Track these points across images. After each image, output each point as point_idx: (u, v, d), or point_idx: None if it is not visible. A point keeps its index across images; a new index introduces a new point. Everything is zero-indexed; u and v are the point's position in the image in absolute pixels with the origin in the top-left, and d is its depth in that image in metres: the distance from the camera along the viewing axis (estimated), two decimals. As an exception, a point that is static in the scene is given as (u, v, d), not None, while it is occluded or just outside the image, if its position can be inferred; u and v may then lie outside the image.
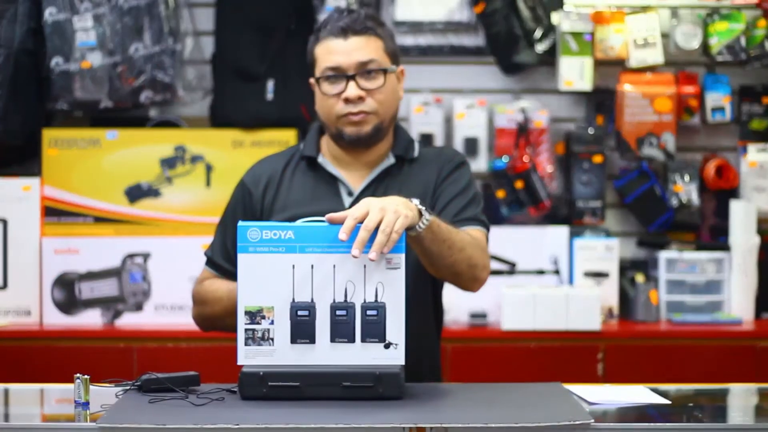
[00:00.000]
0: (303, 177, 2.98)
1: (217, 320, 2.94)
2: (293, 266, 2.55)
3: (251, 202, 2.99)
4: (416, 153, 3.00)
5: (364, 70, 2.88)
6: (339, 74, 2.88)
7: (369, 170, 2.96)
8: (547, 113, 4.88)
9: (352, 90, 2.87)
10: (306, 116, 4.71)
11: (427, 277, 2.89)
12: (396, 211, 2.55)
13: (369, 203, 2.56)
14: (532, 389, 2.72)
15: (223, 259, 2.98)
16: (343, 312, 2.55)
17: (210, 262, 3.02)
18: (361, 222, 2.51)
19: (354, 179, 2.95)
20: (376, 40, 2.91)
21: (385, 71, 2.90)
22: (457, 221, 2.86)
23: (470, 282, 2.83)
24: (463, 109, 4.87)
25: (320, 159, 2.97)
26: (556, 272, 4.70)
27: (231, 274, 2.92)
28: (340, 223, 2.52)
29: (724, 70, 4.89)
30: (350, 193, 2.94)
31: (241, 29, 4.77)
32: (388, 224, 2.52)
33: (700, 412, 2.64)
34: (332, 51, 2.88)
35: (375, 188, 2.93)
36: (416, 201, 2.65)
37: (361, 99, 2.88)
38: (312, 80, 2.94)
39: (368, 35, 2.90)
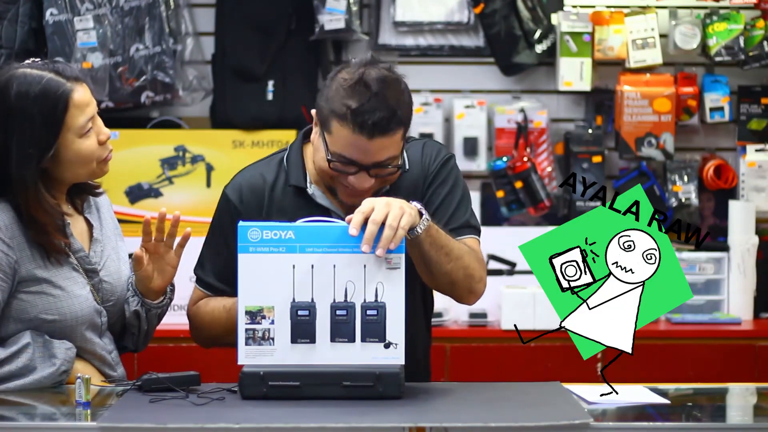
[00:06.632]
0: (293, 207, 2.82)
1: (217, 339, 2.87)
2: (293, 266, 2.56)
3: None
4: (406, 163, 2.84)
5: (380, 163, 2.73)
6: (353, 164, 2.71)
7: None
8: (546, 113, 4.88)
9: (363, 182, 2.72)
10: (306, 116, 4.71)
11: (415, 278, 2.77)
12: (401, 207, 2.57)
13: (373, 200, 2.58)
14: (532, 389, 2.72)
15: (215, 279, 2.87)
16: (343, 312, 2.56)
17: (201, 282, 2.90)
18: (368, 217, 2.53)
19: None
20: (400, 130, 2.72)
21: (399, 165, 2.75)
22: (450, 230, 2.78)
23: (466, 293, 2.79)
24: (463, 109, 4.87)
25: (310, 190, 2.83)
26: (556, 272, 4.69)
27: (223, 293, 2.84)
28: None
29: (723, 70, 4.89)
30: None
31: (241, 29, 4.77)
32: (394, 218, 2.54)
33: (699, 412, 2.65)
34: (352, 144, 2.69)
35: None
36: (415, 203, 2.65)
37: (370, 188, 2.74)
38: (318, 133, 2.76)
39: (393, 133, 2.70)
